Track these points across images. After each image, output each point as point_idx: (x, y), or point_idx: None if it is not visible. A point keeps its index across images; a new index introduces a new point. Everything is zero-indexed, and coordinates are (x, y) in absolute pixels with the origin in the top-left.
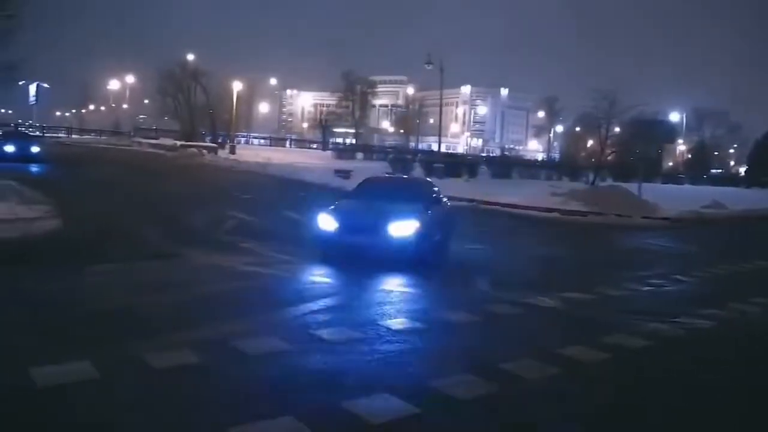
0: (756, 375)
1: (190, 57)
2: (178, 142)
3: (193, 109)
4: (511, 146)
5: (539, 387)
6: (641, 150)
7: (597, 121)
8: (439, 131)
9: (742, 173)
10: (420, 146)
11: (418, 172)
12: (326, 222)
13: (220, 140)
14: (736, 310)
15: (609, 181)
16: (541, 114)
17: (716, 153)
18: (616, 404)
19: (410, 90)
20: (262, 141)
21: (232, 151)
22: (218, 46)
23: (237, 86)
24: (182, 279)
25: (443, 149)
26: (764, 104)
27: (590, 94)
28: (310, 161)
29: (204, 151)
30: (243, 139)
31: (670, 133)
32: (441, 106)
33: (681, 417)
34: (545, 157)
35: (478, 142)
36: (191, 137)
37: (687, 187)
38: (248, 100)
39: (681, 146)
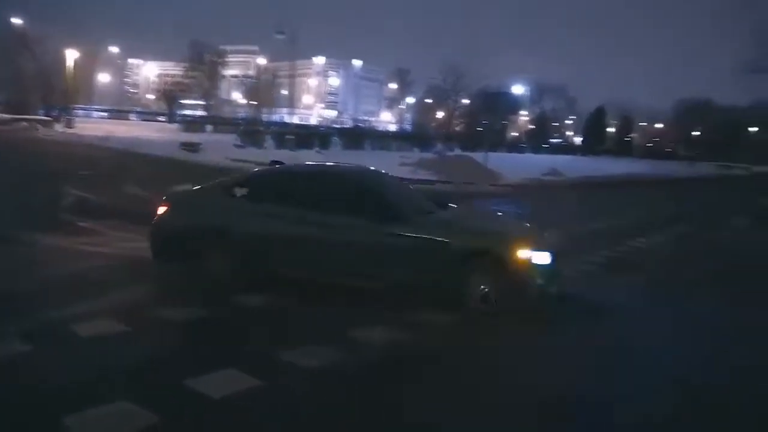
0: None
1: (18, 21)
2: (7, 116)
3: (23, 79)
4: (364, 118)
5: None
6: (487, 121)
7: (446, 93)
8: (291, 103)
9: (579, 143)
10: (273, 118)
11: (269, 144)
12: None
13: (55, 113)
14: (578, 269)
15: (458, 151)
16: (393, 86)
17: (556, 124)
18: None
19: (262, 60)
20: (103, 114)
21: (69, 124)
22: (53, 9)
23: (72, 54)
24: (14, 262)
25: (296, 121)
26: (598, 80)
27: (440, 67)
28: (155, 134)
29: (38, 125)
30: (82, 112)
31: (514, 105)
32: (292, 77)
33: None
34: (397, 128)
35: (331, 114)
36: (21, 110)
37: (529, 155)
38: (87, 69)
39: (524, 118)
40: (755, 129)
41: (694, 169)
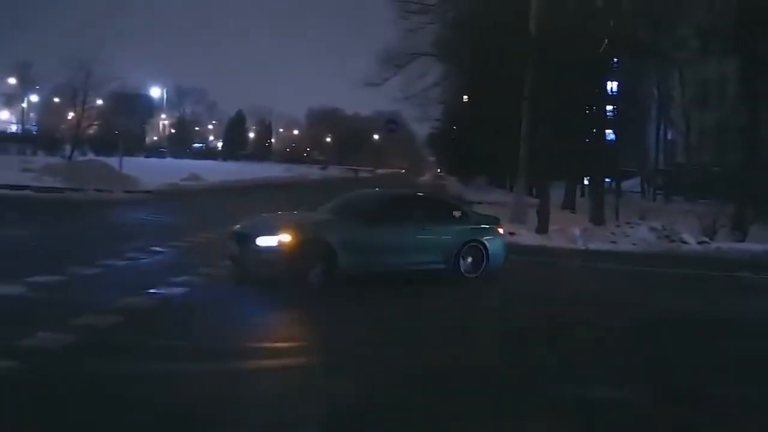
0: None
1: None
2: None
3: None
4: None
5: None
6: (123, 124)
7: (75, 91)
8: None
9: (220, 147)
10: None
11: None
12: None
13: None
14: (207, 275)
15: (90, 156)
16: (12, 81)
17: (197, 128)
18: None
19: None
20: None
21: None
22: None
23: None
24: None
25: None
26: (237, 84)
27: (68, 63)
28: None
29: None
30: None
31: (152, 107)
32: None
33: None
34: (19, 129)
35: None
36: None
37: (169, 160)
38: None
39: (164, 121)
40: (377, 136)
41: (326, 172)
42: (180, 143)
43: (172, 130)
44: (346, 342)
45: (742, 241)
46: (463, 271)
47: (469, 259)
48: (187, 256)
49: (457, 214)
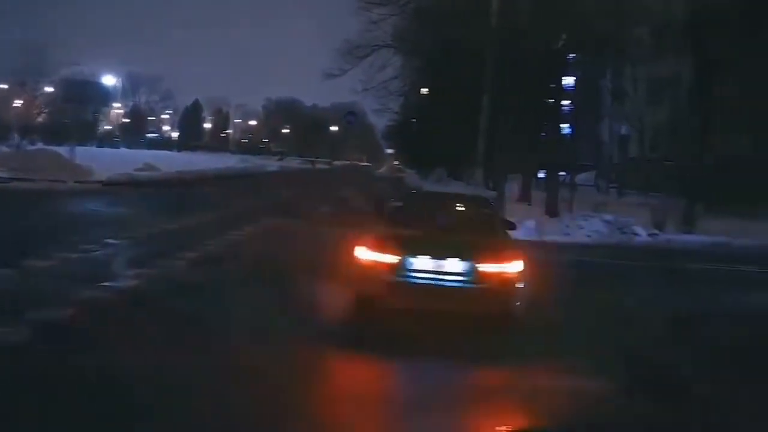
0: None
1: None
2: None
3: None
4: None
5: None
6: (75, 112)
7: (24, 78)
8: None
9: (176, 138)
10: None
11: None
12: None
13: None
14: (164, 266)
15: (40, 145)
16: None
17: (152, 118)
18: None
19: None
20: None
21: None
22: None
23: None
24: None
25: None
26: (194, 74)
27: (17, 47)
28: None
29: None
30: None
31: (105, 95)
32: None
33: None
34: None
35: None
36: None
37: (123, 150)
38: None
39: (118, 110)
40: (335, 128)
41: (283, 163)
42: (134, 133)
43: (126, 120)
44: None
45: (690, 233)
46: None
47: None
48: (142, 247)
49: None
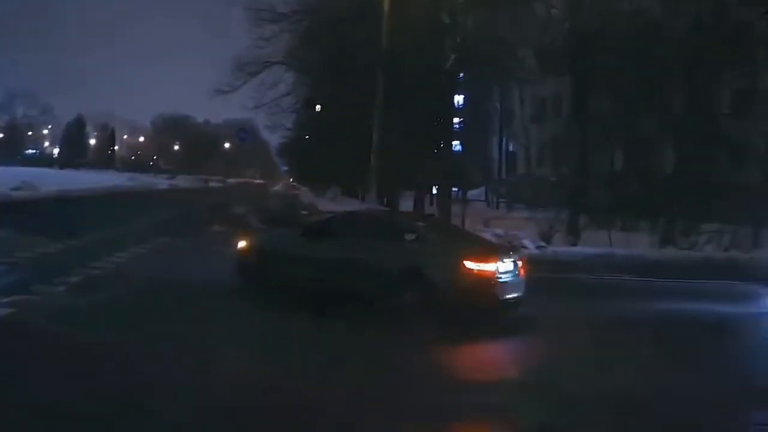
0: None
1: None
2: None
3: None
4: None
5: None
6: None
7: None
8: None
9: (56, 154)
10: None
11: None
12: None
13: None
14: (42, 293)
15: None
16: None
17: (30, 133)
18: None
19: None
20: None
21: None
22: None
23: None
24: None
25: None
26: (73, 87)
27: None
28: None
29: None
30: None
31: None
32: None
33: None
34: None
35: None
36: None
37: None
38: None
39: None
40: (228, 145)
41: (174, 182)
42: (10, 149)
43: (1, 135)
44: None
45: (575, 245)
46: None
47: None
48: (22, 272)
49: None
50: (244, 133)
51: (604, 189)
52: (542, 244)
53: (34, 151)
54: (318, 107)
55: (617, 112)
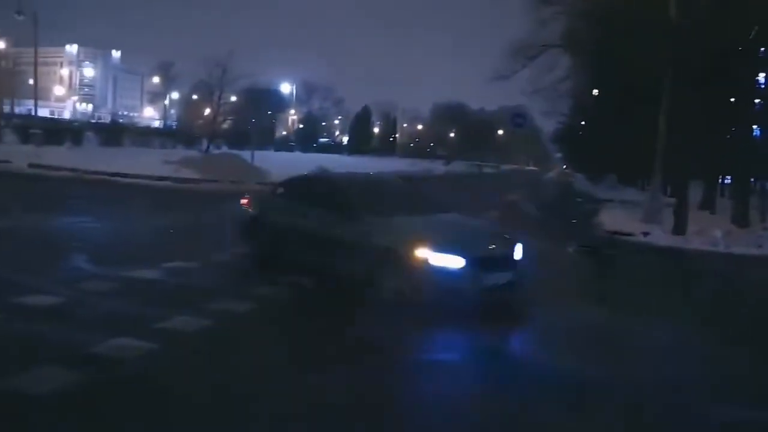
0: None
1: None
2: None
3: None
4: (125, 112)
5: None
6: (255, 118)
7: (211, 88)
8: (35, 92)
9: (346, 142)
10: (18, 110)
11: (10, 139)
12: None
13: None
14: None
15: (225, 149)
16: (156, 79)
17: (324, 123)
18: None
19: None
20: None
21: None
22: None
23: None
24: None
25: (48, 114)
26: (364, 80)
27: (206, 61)
28: None
29: None
30: None
31: (282, 103)
32: (36, 63)
33: None
34: (161, 124)
35: (87, 107)
36: None
37: (298, 154)
38: None
39: (292, 116)
40: (501, 132)
41: (449, 167)
42: (307, 138)
43: (300, 125)
44: None
45: None
46: None
47: None
48: None
49: None
50: (520, 118)
51: None
52: None
53: (327, 139)
54: (595, 91)
55: None
